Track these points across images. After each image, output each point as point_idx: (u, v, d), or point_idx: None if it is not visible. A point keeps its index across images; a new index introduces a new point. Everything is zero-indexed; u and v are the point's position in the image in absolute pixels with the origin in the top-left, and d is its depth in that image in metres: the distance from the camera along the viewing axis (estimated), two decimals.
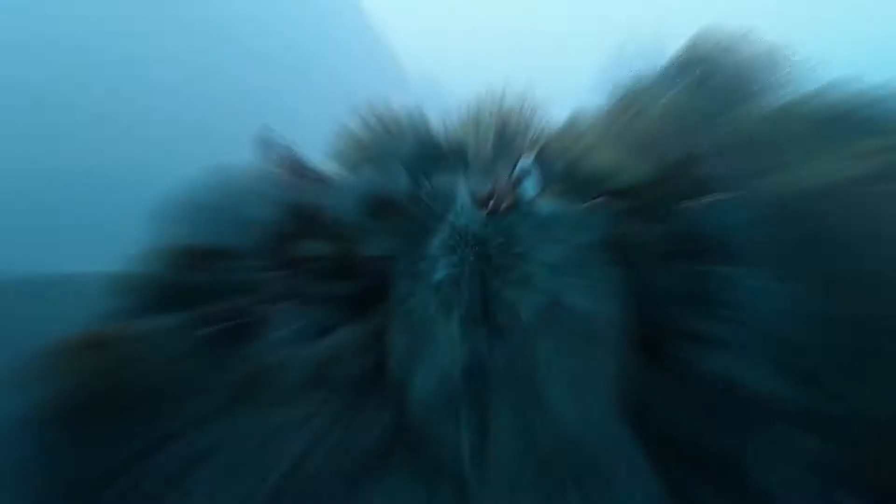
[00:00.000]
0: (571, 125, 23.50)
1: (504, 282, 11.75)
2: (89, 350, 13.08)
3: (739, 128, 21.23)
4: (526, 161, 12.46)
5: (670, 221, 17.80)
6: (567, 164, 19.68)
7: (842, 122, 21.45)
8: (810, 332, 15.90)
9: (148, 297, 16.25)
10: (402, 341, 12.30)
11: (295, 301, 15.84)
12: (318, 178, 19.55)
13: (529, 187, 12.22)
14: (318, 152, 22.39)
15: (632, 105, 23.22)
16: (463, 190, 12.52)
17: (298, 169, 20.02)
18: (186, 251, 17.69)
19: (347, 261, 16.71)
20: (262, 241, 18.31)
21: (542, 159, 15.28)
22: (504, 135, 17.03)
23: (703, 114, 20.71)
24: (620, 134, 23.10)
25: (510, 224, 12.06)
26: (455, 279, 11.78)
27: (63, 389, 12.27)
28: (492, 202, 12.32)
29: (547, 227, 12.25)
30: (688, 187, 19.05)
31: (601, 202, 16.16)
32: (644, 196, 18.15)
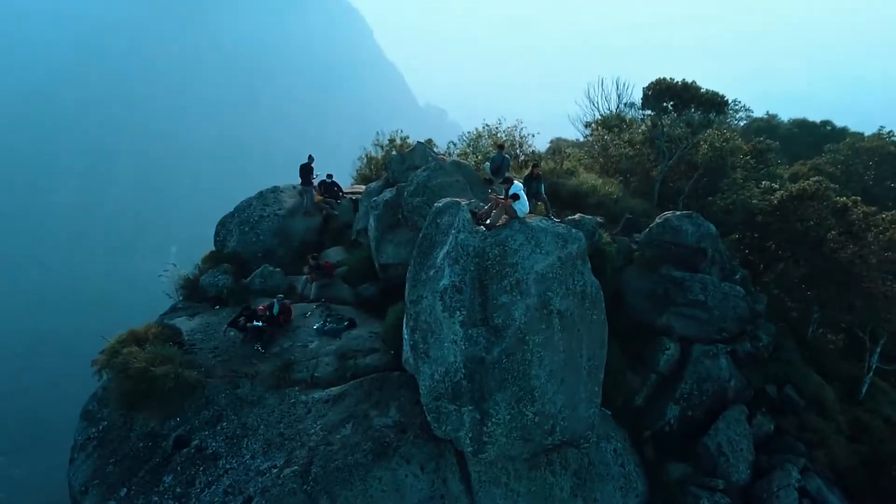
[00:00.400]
0: (555, 151, 25.79)
1: (500, 288, 12.84)
2: (149, 343, 14.99)
3: (695, 154, 23.73)
4: (518, 184, 13.82)
5: (641, 233, 20.04)
6: (552, 184, 21.86)
7: (777, 149, 24.20)
8: (759, 325, 18.09)
9: (203, 295, 18.14)
10: (414, 338, 13.75)
11: (325, 300, 17.79)
12: (345, 197, 21.74)
13: (521, 206, 13.58)
14: (346, 171, 24.78)
15: (604, 134, 25.67)
16: (465, 209, 13.88)
17: (330, 189, 22.31)
18: (235, 257, 19.64)
19: (368, 266, 18.53)
20: (300, 250, 20.24)
21: (531, 180, 17.28)
22: (499, 159, 18.84)
23: (666, 142, 23.12)
24: (596, 158, 25.45)
25: (505, 238, 13.06)
26: (458, 286, 12.80)
27: (129, 376, 14.13)
28: (489, 219, 13.77)
29: (536, 241, 13.21)
30: (652, 204, 21.34)
31: (578, 217, 18.14)
32: (616, 210, 20.32)
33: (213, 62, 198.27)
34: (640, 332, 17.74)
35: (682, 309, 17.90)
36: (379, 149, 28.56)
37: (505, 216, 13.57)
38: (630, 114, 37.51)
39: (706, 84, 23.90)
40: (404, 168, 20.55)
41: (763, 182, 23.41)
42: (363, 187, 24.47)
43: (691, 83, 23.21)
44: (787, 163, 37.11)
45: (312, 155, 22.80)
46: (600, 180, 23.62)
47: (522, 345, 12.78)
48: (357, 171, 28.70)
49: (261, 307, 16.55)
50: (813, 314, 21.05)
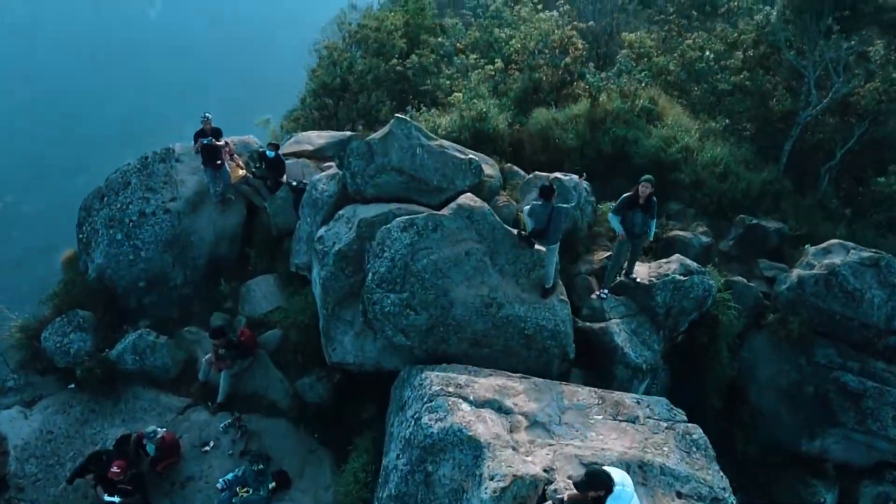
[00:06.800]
0: (619, 73, 16.71)
1: None
2: None
3: (858, 98, 14.37)
4: (625, 491, 5.61)
5: (778, 264, 12.66)
6: (616, 141, 14.02)
7: None
8: None
9: (50, 363, 11.75)
10: None
11: (239, 416, 10.27)
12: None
13: None
14: None
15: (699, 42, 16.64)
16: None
17: (275, 169, 13.01)
18: (102, 286, 12.27)
19: (314, 334, 10.29)
20: (209, 272, 12.37)
21: (631, 207, 9.78)
22: (546, 213, 10.37)
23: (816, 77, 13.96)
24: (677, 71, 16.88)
25: None
26: None
27: None
28: None
29: None
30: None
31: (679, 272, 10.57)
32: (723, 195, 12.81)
33: None
34: (771, 455, 10.80)
35: (853, 434, 10.66)
36: (346, 33, 18.67)
37: None
38: None
39: None
40: (373, 170, 10.65)
41: None
42: (315, 139, 14.81)
43: None
44: None
45: (208, 114, 12.86)
46: (695, 133, 14.69)
47: None
48: (311, 74, 18.17)
49: (116, 466, 8.90)
50: None
